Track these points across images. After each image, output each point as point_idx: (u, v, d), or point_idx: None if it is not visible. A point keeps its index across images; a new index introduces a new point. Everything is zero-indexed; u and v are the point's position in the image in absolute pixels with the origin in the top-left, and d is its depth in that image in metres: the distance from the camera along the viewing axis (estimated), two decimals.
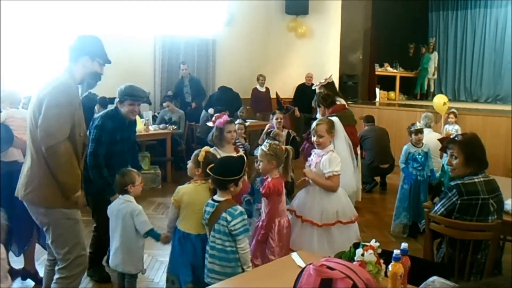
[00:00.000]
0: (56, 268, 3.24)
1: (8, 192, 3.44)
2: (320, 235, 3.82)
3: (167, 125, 8.33)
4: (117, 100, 4.22)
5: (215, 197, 3.18)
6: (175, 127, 8.38)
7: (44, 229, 3.20)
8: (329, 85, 5.98)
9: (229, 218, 3.01)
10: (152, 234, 3.69)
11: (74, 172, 3.09)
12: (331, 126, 3.97)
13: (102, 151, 4.01)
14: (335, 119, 4.10)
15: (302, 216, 3.89)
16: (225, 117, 4.38)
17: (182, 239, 3.43)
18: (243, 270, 3.01)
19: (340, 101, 5.68)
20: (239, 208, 3.08)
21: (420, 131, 5.63)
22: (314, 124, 4.00)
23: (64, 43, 7.29)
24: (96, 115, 4.23)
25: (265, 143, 3.73)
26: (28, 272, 4.31)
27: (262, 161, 3.60)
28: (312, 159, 4.01)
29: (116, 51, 8.54)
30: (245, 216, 3.08)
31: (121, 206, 3.68)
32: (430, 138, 6.09)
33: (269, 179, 3.59)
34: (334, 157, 3.84)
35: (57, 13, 7.75)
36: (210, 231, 3.14)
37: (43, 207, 3.10)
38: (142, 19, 9.02)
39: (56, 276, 3.22)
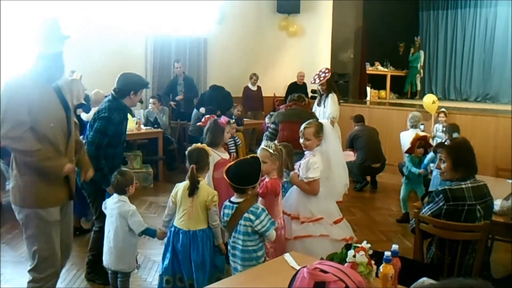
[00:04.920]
0: (27, 269, 3.21)
1: None
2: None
3: (151, 127, 8.19)
4: (131, 92, 4.01)
5: (233, 199, 3.19)
6: (159, 129, 8.14)
7: (21, 224, 3.20)
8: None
9: (252, 217, 3.05)
10: (147, 232, 3.72)
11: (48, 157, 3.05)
12: (318, 129, 3.89)
13: (105, 143, 3.90)
14: (324, 121, 4.12)
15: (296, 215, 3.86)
16: (225, 118, 4.45)
17: (174, 235, 3.48)
18: None
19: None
20: (260, 206, 3.14)
21: None
22: (302, 126, 3.95)
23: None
24: (99, 107, 4.06)
25: (264, 143, 3.76)
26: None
27: (266, 162, 3.53)
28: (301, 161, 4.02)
29: (108, 50, 8.64)
30: (267, 211, 3.13)
31: (115, 206, 3.69)
32: None
33: (266, 179, 3.61)
34: (312, 162, 3.78)
35: (45, 11, 7.70)
36: (230, 233, 3.15)
37: (17, 206, 3.13)
38: (133, 19, 9.01)
39: (27, 280, 3.18)
